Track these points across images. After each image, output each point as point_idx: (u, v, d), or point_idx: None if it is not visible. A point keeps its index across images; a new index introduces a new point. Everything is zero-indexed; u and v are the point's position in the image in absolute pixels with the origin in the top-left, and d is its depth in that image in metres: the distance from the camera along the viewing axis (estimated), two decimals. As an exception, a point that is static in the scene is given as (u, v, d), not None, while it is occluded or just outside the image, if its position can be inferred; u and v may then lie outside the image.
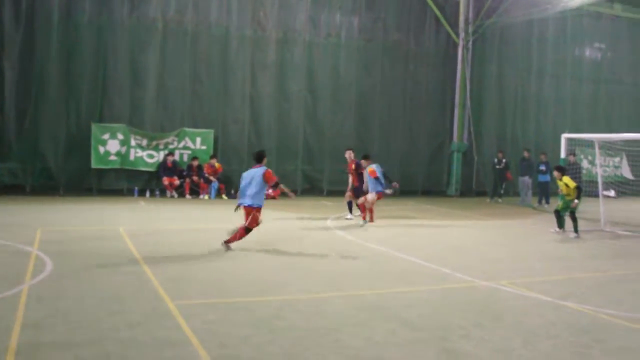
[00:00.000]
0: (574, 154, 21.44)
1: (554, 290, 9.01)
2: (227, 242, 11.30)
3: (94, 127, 19.68)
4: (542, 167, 22.06)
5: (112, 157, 19.92)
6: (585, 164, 25.47)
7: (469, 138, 25.28)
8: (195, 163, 20.52)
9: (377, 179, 15.39)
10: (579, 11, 26.06)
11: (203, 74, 21.28)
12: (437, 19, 24.67)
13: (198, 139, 21.09)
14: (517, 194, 23.47)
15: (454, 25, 24.89)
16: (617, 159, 26.95)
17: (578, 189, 14.56)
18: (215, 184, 20.56)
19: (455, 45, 25.00)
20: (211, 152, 21.04)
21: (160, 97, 20.78)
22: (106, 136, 19.82)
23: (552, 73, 27.24)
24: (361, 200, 15.51)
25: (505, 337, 6.71)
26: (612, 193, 23.41)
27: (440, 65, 25.09)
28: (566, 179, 14.68)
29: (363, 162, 15.63)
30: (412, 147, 24.48)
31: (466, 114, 25.17)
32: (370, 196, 15.35)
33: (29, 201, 17.67)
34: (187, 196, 20.26)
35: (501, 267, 10.73)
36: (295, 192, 22.21)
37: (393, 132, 24.16)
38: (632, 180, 24.48)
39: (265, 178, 11.42)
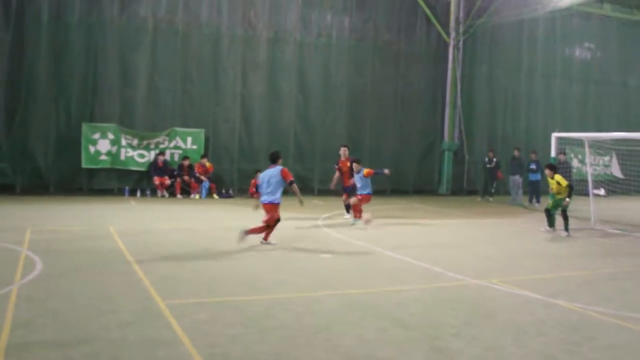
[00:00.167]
0: (564, 153, 21.55)
1: (545, 288, 9.04)
2: (247, 232, 11.63)
3: (85, 127, 19.62)
4: (533, 166, 22.17)
5: (103, 157, 19.86)
6: (575, 162, 25.58)
7: (460, 137, 25.36)
8: (186, 162, 20.48)
9: (374, 174, 15.43)
10: (568, 11, 26.21)
11: (194, 73, 21.26)
12: (428, 19, 24.73)
13: (189, 139, 21.06)
14: (507, 192, 23.56)
15: (445, 25, 24.96)
16: (606, 158, 27.09)
17: (570, 187, 14.61)
18: (206, 184, 20.53)
19: (446, 45, 25.06)
20: (202, 151, 21.01)
21: (151, 96, 20.74)
22: (97, 136, 19.76)
23: (542, 72, 27.38)
24: (353, 200, 15.42)
25: (496, 335, 6.73)
26: (602, 192, 23.51)
27: (431, 64, 25.15)
28: (558, 177, 14.74)
29: (355, 165, 15.45)
30: (403, 147, 24.52)
31: (457, 113, 25.25)
32: (354, 200, 15.28)
33: (19, 201, 17.59)
34: (178, 196, 20.22)
35: (492, 265, 10.76)
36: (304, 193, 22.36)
37: (384, 131, 24.19)
38: (622, 179, 24.59)
39: (283, 175, 12.06)
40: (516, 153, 22.86)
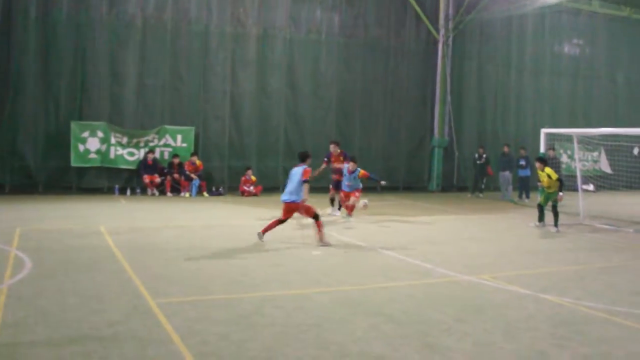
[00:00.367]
0: (554, 149, 21.63)
1: (535, 283, 9.09)
2: (320, 240, 11.82)
3: (73, 125, 19.52)
4: (522, 162, 22.26)
5: (92, 155, 19.76)
6: (564, 158, 25.72)
7: (450, 133, 25.41)
8: (176, 160, 20.42)
9: (369, 178, 15.61)
10: (557, 7, 26.31)
11: (183, 71, 21.18)
12: (417, 16, 24.74)
13: (179, 137, 20.99)
14: (497, 188, 23.63)
15: (434, 22, 24.98)
16: (595, 154, 27.24)
17: (560, 181, 14.69)
18: (196, 182, 20.47)
19: (436, 42, 25.09)
20: (192, 149, 20.94)
21: (140, 94, 20.65)
22: (86, 134, 19.66)
23: (531, 69, 27.49)
24: (353, 200, 15.27)
25: (486, 331, 6.76)
26: (591, 187, 23.64)
27: (421, 61, 25.17)
28: (548, 170, 14.80)
29: (352, 165, 15.37)
30: (393, 143, 24.55)
31: (447, 109, 25.29)
32: (353, 200, 15.29)
33: (8, 200, 17.47)
34: (168, 194, 20.16)
35: (482, 261, 10.80)
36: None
37: (374, 128, 24.22)
38: (611, 174, 24.73)
39: (303, 174, 12.03)
40: (506, 149, 22.95)
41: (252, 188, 21.02)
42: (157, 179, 20.19)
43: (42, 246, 10.87)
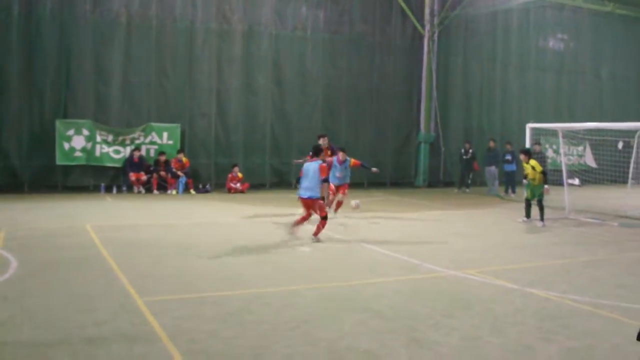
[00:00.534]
0: (539, 143, 21.75)
1: (521, 278, 9.15)
2: (315, 235, 11.90)
3: (58, 124, 19.37)
4: (508, 157, 22.36)
5: (78, 154, 19.63)
6: (550, 153, 25.88)
7: (436, 129, 25.47)
8: (163, 158, 20.33)
9: (360, 166, 15.62)
10: (541, 2, 26.45)
11: (169, 68, 21.07)
12: (402, 11, 24.77)
13: (165, 134, 20.90)
14: (483, 183, 23.74)
15: (420, 17, 25.01)
16: (580, 148, 27.43)
17: (543, 173, 14.79)
18: (183, 179, 20.41)
19: (421, 37, 25.13)
20: (178, 146, 20.86)
21: (126, 91, 20.52)
22: (71, 132, 19.53)
23: (516, 64, 27.60)
24: (341, 197, 15.13)
25: (473, 325, 6.80)
26: (576, 181, 23.78)
27: (407, 57, 25.20)
28: (533, 162, 14.89)
29: (342, 154, 15.14)
30: (379, 139, 24.58)
31: (433, 105, 25.35)
32: (341, 196, 15.19)
33: (-8, 199, 17.34)
34: (155, 192, 20.08)
35: (469, 256, 10.85)
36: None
37: (360, 124, 24.23)
38: (596, 169, 24.91)
39: (320, 171, 11.90)
40: (491, 144, 23.05)
41: (238, 185, 20.99)
42: (144, 177, 20.11)
43: (28, 245, 10.80)
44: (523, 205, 15.58)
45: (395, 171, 25.10)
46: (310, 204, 11.99)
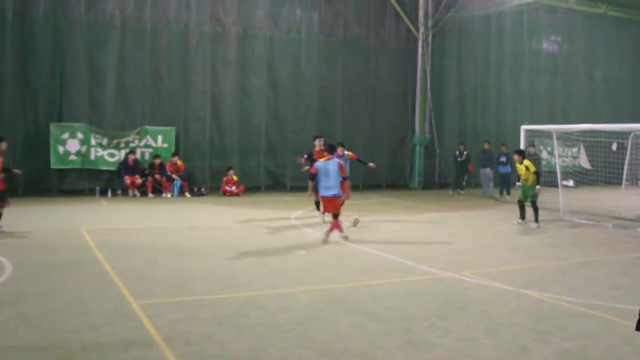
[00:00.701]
0: (533, 145, 21.81)
1: (516, 279, 9.18)
2: (326, 235, 12.23)
3: (53, 127, 19.33)
4: (503, 159, 22.39)
5: (72, 157, 19.59)
6: (544, 154, 25.94)
7: (431, 131, 25.51)
8: (157, 161, 20.31)
9: (357, 160, 15.67)
10: (534, 5, 26.49)
11: (163, 70, 21.04)
12: (397, 14, 24.81)
13: (159, 137, 20.86)
14: (478, 185, 23.78)
15: (414, 20, 25.05)
16: (574, 150, 27.50)
17: (536, 173, 14.83)
18: (177, 182, 20.38)
19: (415, 39, 25.18)
20: (173, 149, 20.83)
21: (120, 95, 20.49)
22: (65, 135, 19.49)
23: (510, 66, 27.65)
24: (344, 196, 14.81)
25: (468, 327, 6.82)
26: (570, 183, 23.87)
27: (401, 59, 25.23)
28: (527, 162, 14.93)
29: (340, 149, 14.80)
30: (374, 141, 24.59)
31: (427, 107, 25.38)
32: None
33: (-13, 203, 17.26)
34: (150, 195, 20.04)
35: (464, 258, 10.88)
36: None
37: (355, 126, 24.23)
38: (590, 170, 24.98)
39: (341, 170, 12.43)
40: (486, 146, 23.09)
41: (234, 188, 20.97)
42: (138, 180, 20.08)
43: (23, 249, 10.78)
44: (517, 207, 15.61)
45: (390, 173, 25.11)
46: (333, 202, 12.36)
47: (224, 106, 21.99)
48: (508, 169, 22.15)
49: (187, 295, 7.97)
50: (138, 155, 20.45)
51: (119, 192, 20.11)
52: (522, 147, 17.62)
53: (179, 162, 20.52)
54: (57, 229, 13.04)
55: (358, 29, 24.26)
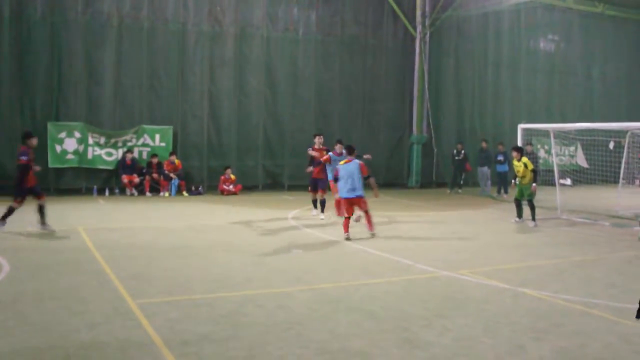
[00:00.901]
0: (531, 144, 21.82)
1: (513, 278, 9.19)
2: (370, 230, 12.81)
3: (50, 126, 19.32)
4: (500, 158, 22.41)
5: (70, 156, 19.58)
6: (542, 153, 25.96)
7: (428, 130, 25.52)
8: (155, 160, 20.30)
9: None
10: (532, 3, 26.52)
11: (160, 70, 21.04)
12: (394, 13, 24.81)
13: (157, 136, 20.87)
14: (476, 184, 23.80)
15: (411, 19, 25.06)
16: (572, 148, 27.53)
17: (534, 172, 14.84)
18: (175, 181, 20.38)
19: (413, 39, 25.18)
20: (170, 148, 20.84)
21: (118, 94, 20.49)
22: (63, 135, 19.48)
23: (507, 64, 27.66)
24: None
25: (466, 325, 6.83)
26: (568, 181, 23.87)
27: (399, 58, 25.25)
28: (525, 159, 14.94)
29: (339, 147, 14.61)
30: (372, 140, 24.57)
31: (425, 106, 25.40)
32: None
33: (-16, 203, 17.24)
34: (147, 194, 20.04)
35: (462, 256, 10.89)
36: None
37: (353, 125, 24.24)
38: (587, 169, 25.01)
39: (362, 170, 12.69)
40: (484, 145, 23.10)
41: (231, 187, 20.97)
42: (136, 179, 20.07)
43: (20, 248, 10.77)
44: (514, 205, 15.63)
45: (387, 172, 25.10)
46: (357, 202, 12.67)
47: (222, 105, 21.99)
48: (505, 167, 22.16)
49: (185, 294, 7.97)
50: (136, 154, 20.46)
51: (117, 191, 20.11)
52: (519, 145, 17.63)
53: (177, 161, 20.52)
54: (54, 228, 13.01)
55: (355, 28, 24.26)
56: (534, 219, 14.86)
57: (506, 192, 22.16)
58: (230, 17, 21.87)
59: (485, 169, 22.63)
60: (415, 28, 25.05)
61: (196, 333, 6.38)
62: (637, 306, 6.55)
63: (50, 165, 19.35)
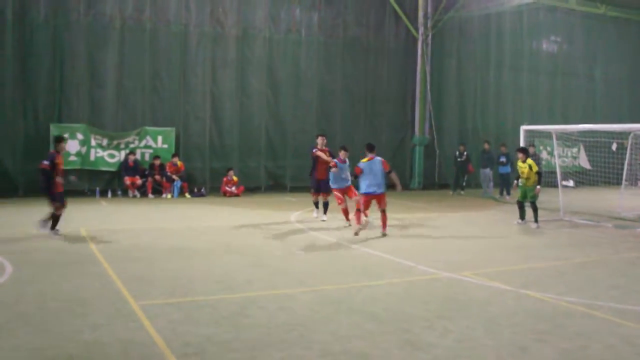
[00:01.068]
0: (533, 145, 21.81)
1: (516, 279, 9.17)
2: (383, 230, 13.15)
3: (53, 128, 19.35)
4: (503, 159, 22.39)
5: (72, 158, 19.59)
6: (544, 154, 25.94)
7: (431, 131, 25.52)
8: (157, 162, 20.33)
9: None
10: (534, 5, 26.52)
11: (163, 71, 21.08)
12: (396, 14, 24.83)
13: (159, 138, 20.90)
14: (478, 186, 23.77)
15: (413, 20, 25.08)
16: (574, 150, 27.51)
17: (538, 173, 14.81)
18: (177, 183, 20.40)
19: (415, 40, 25.19)
20: (173, 150, 20.86)
21: (120, 95, 20.53)
22: (65, 136, 19.44)
23: (510, 66, 27.66)
24: (356, 199, 13.90)
25: (468, 327, 6.82)
26: (570, 183, 23.88)
27: (401, 60, 25.26)
28: (530, 161, 14.90)
29: (343, 153, 14.56)
30: (374, 142, 24.04)
31: (427, 107, 25.40)
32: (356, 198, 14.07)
33: (-13, 204, 17.28)
34: (150, 196, 20.07)
35: (464, 258, 10.88)
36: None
37: (355, 127, 24.24)
38: (590, 170, 24.99)
39: (384, 165, 13.13)
40: (486, 146, 23.08)
41: (234, 189, 20.98)
42: (139, 181, 20.10)
43: (23, 250, 10.79)
44: (517, 207, 15.61)
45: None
46: (378, 199, 13.04)
47: (224, 107, 22.02)
48: (508, 169, 22.15)
49: (187, 296, 7.97)
50: (138, 156, 20.48)
51: (119, 193, 20.15)
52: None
53: (179, 163, 20.54)
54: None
55: (358, 30, 24.28)
56: (536, 220, 14.84)
57: (508, 193, 22.14)
58: (232, 18, 21.90)
59: (488, 170, 22.61)
60: (417, 29, 25.06)
61: (198, 334, 6.39)
62: None
63: (53, 166, 19.35)
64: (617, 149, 21.25)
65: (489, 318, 7.17)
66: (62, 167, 12.65)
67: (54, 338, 6.21)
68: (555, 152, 18.91)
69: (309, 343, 6.21)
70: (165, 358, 5.74)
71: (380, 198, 13.08)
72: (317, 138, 15.88)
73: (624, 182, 19.41)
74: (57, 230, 12.42)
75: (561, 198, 17.08)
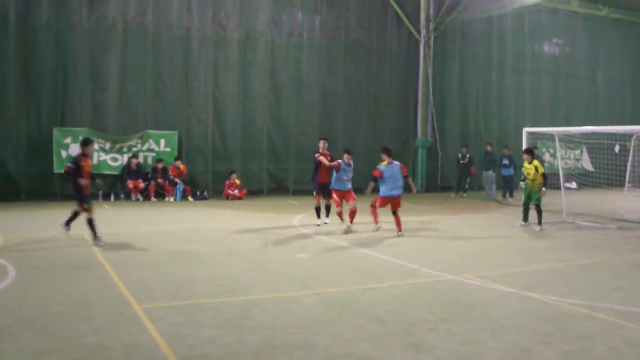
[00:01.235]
0: (536, 147, 21.77)
1: (519, 281, 9.16)
2: (399, 231, 13.61)
3: (56, 132, 19.39)
4: (505, 161, 22.37)
5: (75, 161, 19.60)
6: (547, 157, 25.93)
7: (433, 134, 25.51)
8: (160, 165, 20.35)
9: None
10: (536, 7, 26.51)
11: (165, 75, 21.10)
12: (398, 17, 24.84)
13: (162, 141, 20.92)
14: (481, 188, 23.75)
15: (415, 23, 25.08)
16: (577, 152, 27.48)
17: (544, 176, 14.79)
18: (180, 186, 20.42)
19: (417, 43, 25.20)
20: (175, 153, 20.89)
21: (123, 99, 20.55)
22: (68, 140, 19.53)
23: (512, 68, 27.65)
24: (353, 204, 14.19)
25: (472, 330, 6.81)
26: (573, 185, 23.85)
27: (403, 62, 25.26)
28: (536, 162, 14.88)
29: (347, 156, 14.40)
30: (376, 145, 24.36)
31: (429, 110, 25.41)
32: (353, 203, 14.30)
33: (-10, 208, 17.31)
34: (153, 199, 20.09)
35: (467, 260, 10.87)
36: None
37: (357, 130, 24.24)
38: (593, 172, 24.96)
39: (403, 170, 13.83)
40: (489, 148, 23.06)
41: (236, 192, 20.99)
42: (141, 184, 20.12)
43: (26, 253, 10.80)
44: (521, 209, 15.60)
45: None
46: (397, 200, 13.66)
47: (226, 110, 22.04)
48: (511, 171, 22.14)
49: (190, 299, 7.97)
50: (141, 160, 20.51)
51: (122, 196, 20.18)
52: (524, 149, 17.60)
53: (182, 166, 20.56)
54: (59, 233, 13.01)
55: (360, 33, 24.29)
56: (539, 223, 14.81)
57: (511, 196, 22.12)
58: (234, 22, 21.93)
59: (490, 172, 22.59)
60: (419, 32, 25.07)
61: (201, 337, 6.39)
62: None
63: (56, 170, 19.40)
64: (619, 150, 21.22)
65: (492, 320, 7.17)
66: (89, 169, 12.38)
67: (57, 342, 6.22)
68: (558, 154, 18.86)
69: (312, 346, 6.21)
70: (168, 361, 5.74)
71: (397, 200, 13.67)
72: (319, 142, 15.86)
73: (627, 184, 19.39)
74: (69, 228, 12.41)
75: (564, 200, 17.06)
